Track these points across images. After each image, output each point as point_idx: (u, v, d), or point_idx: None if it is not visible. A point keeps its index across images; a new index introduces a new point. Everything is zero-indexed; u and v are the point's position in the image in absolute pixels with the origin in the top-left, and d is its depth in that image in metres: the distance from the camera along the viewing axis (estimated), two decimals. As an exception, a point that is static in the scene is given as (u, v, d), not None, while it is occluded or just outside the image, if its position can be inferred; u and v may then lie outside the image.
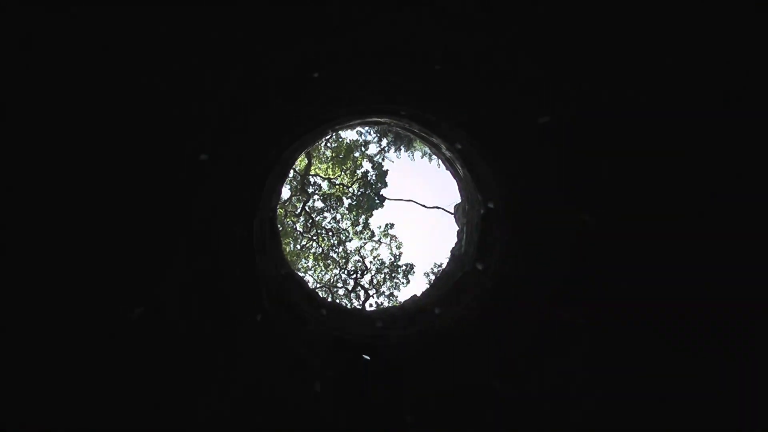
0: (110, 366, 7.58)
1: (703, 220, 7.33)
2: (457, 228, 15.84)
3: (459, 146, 13.36)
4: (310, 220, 29.88)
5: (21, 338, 6.48)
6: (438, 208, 39.13)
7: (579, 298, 9.10)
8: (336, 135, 28.11)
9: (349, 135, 29.92)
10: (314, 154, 28.41)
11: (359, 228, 30.88)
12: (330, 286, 29.46)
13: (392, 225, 34.70)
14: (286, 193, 29.18)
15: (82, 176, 7.14)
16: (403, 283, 30.10)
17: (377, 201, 30.52)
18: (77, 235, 7.19)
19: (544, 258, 9.99)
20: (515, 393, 9.40)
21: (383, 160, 30.62)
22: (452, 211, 17.55)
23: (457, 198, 17.71)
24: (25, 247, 6.55)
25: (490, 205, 13.50)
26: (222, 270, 10.63)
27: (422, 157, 29.15)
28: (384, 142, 29.76)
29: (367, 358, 13.03)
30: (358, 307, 27.61)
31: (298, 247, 29.40)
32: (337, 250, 30.49)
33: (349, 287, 29.77)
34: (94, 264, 7.46)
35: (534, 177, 10.82)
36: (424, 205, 31.93)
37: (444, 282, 14.44)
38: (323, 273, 29.86)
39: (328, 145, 29.14)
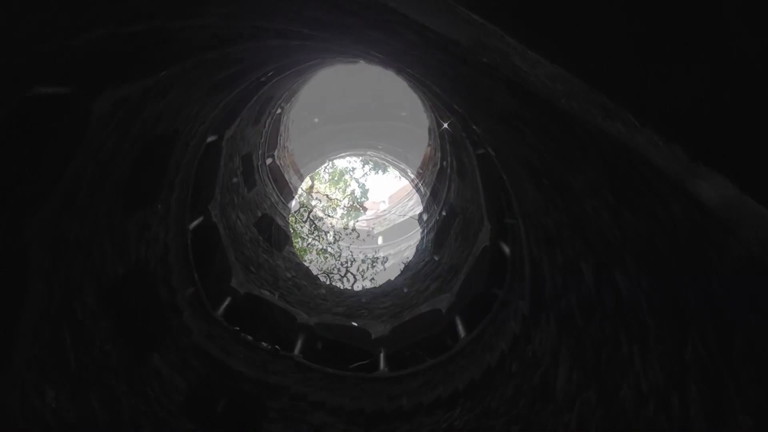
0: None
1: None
2: (420, 230, 16.38)
3: (420, 171, 13.89)
4: (313, 225, 30.61)
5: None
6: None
7: (501, 276, 9.59)
8: (332, 163, 28.89)
9: (341, 163, 30.87)
10: (316, 177, 29.23)
11: (349, 230, 32.02)
12: (328, 273, 30.16)
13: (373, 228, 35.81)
14: (296, 205, 29.91)
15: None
16: (381, 270, 31.11)
17: (361, 210, 31.59)
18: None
19: (479, 250, 10.49)
20: (459, 343, 9.87)
21: (366, 180, 31.76)
22: (416, 218, 18.13)
23: (420, 209, 18.30)
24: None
25: (443, 213, 14.07)
26: (256, 260, 11.05)
27: (394, 178, 30.02)
28: (367, 168, 30.74)
29: (355, 324, 13.47)
30: (348, 288, 28.03)
31: (305, 244, 30.21)
32: (333, 246, 31.35)
33: (342, 273, 30.34)
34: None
35: (469, 195, 11.43)
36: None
37: (410, 269, 14.93)
38: (323, 263, 30.67)
39: (326, 170, 30.01)
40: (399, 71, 9.78)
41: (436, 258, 13.50)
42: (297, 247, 27.96)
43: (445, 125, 12.55)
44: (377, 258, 20.05)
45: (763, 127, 1.43)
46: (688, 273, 2.82)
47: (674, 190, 2.18)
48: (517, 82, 2.36)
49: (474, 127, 7.35)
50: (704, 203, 1.79)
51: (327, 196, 28.86)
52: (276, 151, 20.49)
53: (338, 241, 26.43)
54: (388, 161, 16.97)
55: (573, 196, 4.21)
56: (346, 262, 20.90)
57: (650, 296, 3.45)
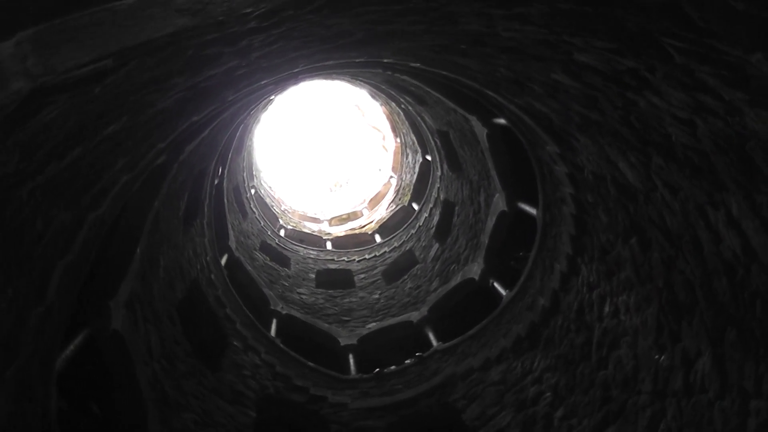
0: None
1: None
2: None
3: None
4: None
5: None
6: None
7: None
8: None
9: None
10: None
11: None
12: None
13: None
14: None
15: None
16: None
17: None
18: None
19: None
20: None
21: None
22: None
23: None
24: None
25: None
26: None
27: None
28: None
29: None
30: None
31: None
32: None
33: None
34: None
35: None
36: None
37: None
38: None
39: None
40: (312, 73, 9.72)
41: (465, 179, 13.42)
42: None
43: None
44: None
45: None
46: None
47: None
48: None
49: (385, 61, 7.28)
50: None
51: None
52: (280, 219, 20.81)
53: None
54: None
55: (489, 37, 4.13)
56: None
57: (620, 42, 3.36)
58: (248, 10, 2.02)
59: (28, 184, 2.51)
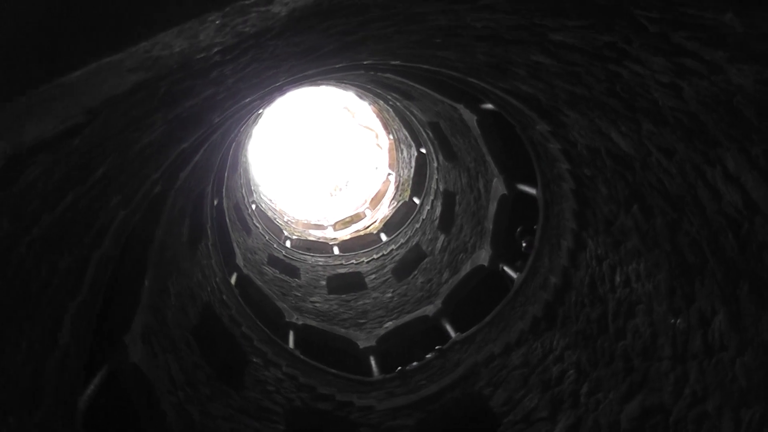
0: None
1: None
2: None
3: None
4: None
5: None
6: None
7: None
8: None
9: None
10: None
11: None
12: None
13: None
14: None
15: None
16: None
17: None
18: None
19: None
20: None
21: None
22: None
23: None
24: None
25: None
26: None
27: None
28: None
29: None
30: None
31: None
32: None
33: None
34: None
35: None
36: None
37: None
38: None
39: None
40: (295, 83, 9.73)
41: (461, 167, 13.40)
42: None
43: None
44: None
45: None
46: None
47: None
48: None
49: (365, 62, 7.29)
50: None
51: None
52: (285, 231, 20.81)
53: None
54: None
55: (461, 28, 4.14)
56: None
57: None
58: (202, 55, 2.03)
59: (25, 239, 2.52)
